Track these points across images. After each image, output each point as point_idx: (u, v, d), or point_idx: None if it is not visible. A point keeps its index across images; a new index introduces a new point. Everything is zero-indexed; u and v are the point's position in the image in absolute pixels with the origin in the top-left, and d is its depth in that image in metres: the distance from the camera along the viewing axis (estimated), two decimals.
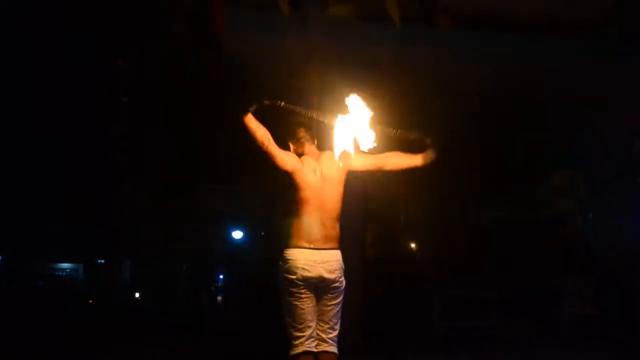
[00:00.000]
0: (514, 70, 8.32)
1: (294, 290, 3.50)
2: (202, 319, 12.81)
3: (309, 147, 3.70)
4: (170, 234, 15.51)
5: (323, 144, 3.74)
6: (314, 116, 3.57)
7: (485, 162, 9.86)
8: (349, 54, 7.64)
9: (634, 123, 8.57)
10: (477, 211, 11.68)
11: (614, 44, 8.03)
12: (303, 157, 3.64)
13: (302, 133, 3.71)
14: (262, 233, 12.16)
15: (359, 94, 3.47)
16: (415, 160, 3.71)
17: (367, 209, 9.31)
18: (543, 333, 8.89)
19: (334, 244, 3.58)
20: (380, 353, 7.67)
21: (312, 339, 3.50)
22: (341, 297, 3.61)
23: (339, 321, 3.61)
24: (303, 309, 3.49)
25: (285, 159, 3.55)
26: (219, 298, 16.41)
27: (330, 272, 3.53)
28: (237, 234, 16.48)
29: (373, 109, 3.46)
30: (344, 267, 3.62)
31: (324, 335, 3.55)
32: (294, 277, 3.49)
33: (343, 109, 3.50)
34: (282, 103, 3.47)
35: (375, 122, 3.46)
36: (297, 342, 3.47)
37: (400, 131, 3.57)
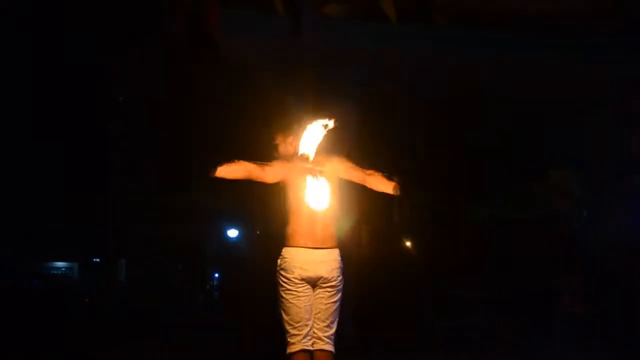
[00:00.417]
0: (511, 69, 8.30)
1: (291, 288, 3.51)
2: (197, 318, 12.78)
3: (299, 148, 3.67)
4: (165, 233, 15.48)
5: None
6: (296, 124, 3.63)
7: (482, 161, 9.85)
8: (344, 53, 7.62)
9: (632, 122, 8.57)
10: (474, 210, 11.66)
11: (612, 42, 8.02)
12: (294, 159, 3.62)
13: (289, 138, 3.73)
14: (258, 232, 12.11)
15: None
16: (388, 189, 3.70)
17: (363, 208, 9.28)
18: (541, 332, 8.87)
19: (331, 243, 3.59)
20: (377, 353, 7.64)
21: (309, 337, 3.50)
22: (339, 296, 3.60)
23: (336, 320, 3.61)
24: (300, 307, 3.49)
25: (274, 173, 3.58)
26: (215, 296, 16.40)
27: (328, 270, 3.54)
28: (233, 233, 16.47)
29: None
30: (342, 265, 3.62)
31: (320, 334, 3.53)
32: (291, 275, 3.50)
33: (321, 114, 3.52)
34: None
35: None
36: (293, 340, 3.47)
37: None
